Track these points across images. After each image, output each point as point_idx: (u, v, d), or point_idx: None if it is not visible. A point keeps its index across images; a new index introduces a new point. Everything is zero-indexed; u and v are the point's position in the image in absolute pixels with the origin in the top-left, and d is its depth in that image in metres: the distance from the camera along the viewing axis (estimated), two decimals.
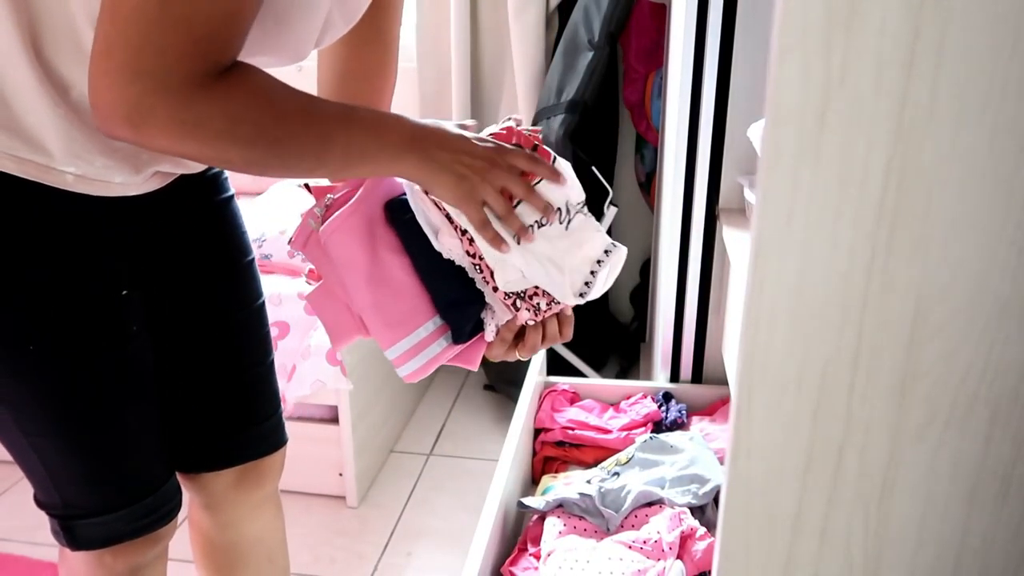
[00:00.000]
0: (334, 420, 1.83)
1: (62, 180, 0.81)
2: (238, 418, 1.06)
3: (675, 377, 1.68)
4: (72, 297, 0.84)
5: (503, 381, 2.22)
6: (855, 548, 0.63)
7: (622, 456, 1.34)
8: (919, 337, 0.56)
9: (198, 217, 0.98)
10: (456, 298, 0.90)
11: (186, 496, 1.07)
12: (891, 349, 0.57)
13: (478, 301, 0.90)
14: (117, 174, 0.84)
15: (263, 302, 1.07)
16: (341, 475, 1.88)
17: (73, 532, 0.91)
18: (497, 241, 0.82)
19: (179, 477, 1.05)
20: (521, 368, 2.06)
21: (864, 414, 0.59)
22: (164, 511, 0.96)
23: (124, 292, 0.89)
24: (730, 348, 1.45)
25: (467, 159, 0.79)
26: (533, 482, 1.46)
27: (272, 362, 1.09)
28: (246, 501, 1.10)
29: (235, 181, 1.06)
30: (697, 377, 1.67)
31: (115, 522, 0.92)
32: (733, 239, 1.36)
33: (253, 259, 1.06)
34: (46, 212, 0.81)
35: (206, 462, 1.06)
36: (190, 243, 0.98)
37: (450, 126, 0.81)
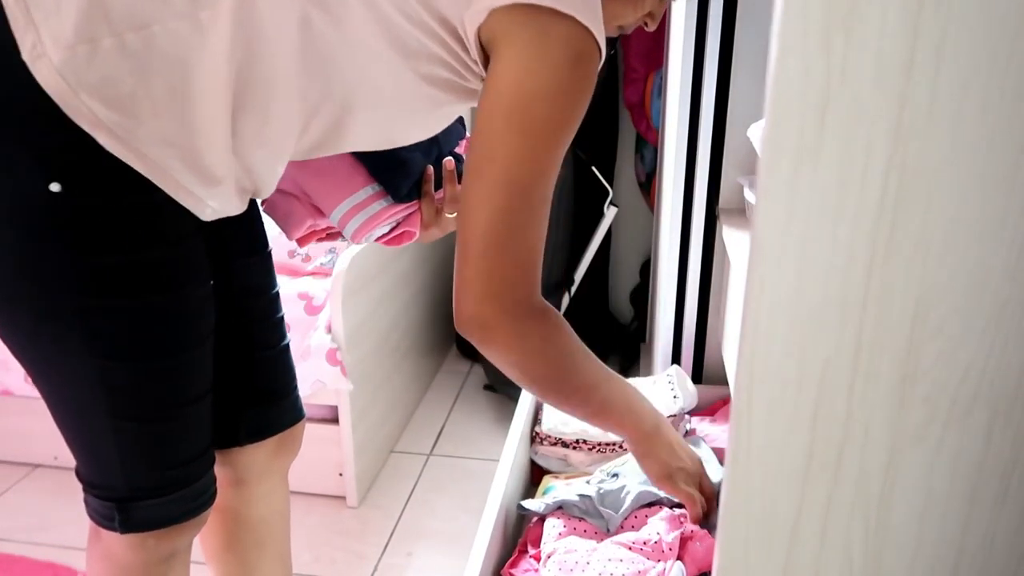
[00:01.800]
0: (334, 420, 1.83)
1: (202, 210, 0.87)
2: (273, 391, 1.14)
3: None
4: (192, 288, 0.91)
5: (503, 381, 2.22)
6: (855, 548, 0.63)
7: (619, 460, 1.34)
8: (919, 337, 0.56)
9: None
10: (389, 162, 1.03)
11: None
12: (891, 349, 0.57)
13: (411, 162, 1.04)
14: (235, 209, 0.92)
15: (278, 292, 1.16)
16: (341, 475, 1.88)
17: (129, 514, 0.93)
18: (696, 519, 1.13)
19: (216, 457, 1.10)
20: None
21: (864, 414, 0.59)
22: (210, 493, 1.00)
23: (211, 282, 0.95)
24: (730, 348, 1.45)
25: (680, 473, 1.08)
26: (534, 483, 1.46)
27: (288, 344, 1.17)
28: (279, 470, 1.18)
29: None
30: (697, 377, 1.67)
31: (170, 504, 0.95)
32: (733, 239, 1.36)
33: (270, 251, 1.14)
34: (165, 203, 0.85)
35: (250, 434, 1.12)
36: (233, 232, 1.04)
37: (679, 442, 1.08)
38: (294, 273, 1.87)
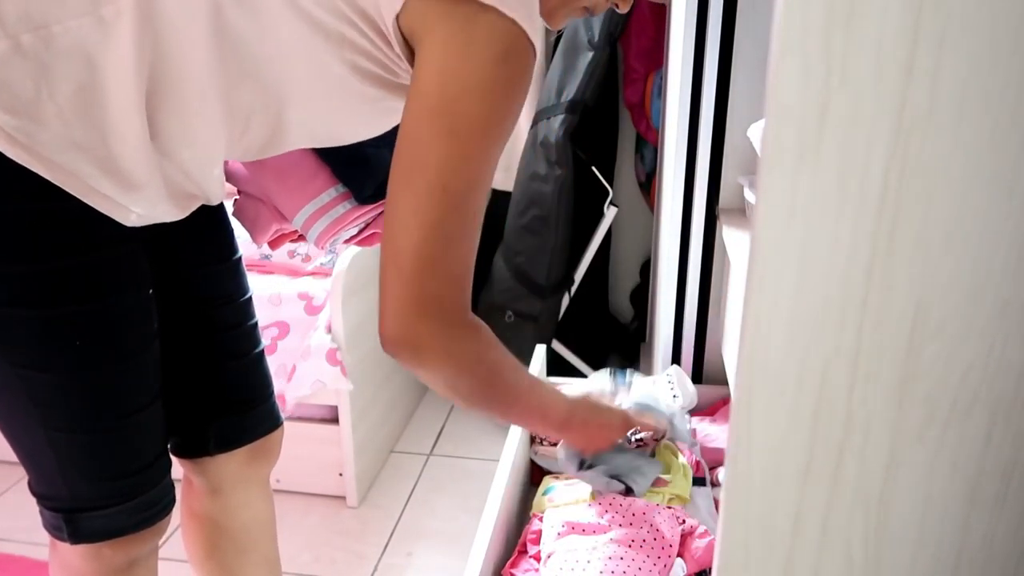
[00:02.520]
0: (334, 420, 1.83)
1: (125, 216, 0.84)
2: (244, 400, 1.11)
3: None
4: (117, 297, 0.87)
5: None
6: (855, 548, 0.63)
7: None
8: (919, 337, 0.56)
9: (191, 218, 1.00)
10: (353, 159, 1.01)
11: (180, 494, 1.10)
12: (891, 349, 0.57)
13: (375, 160, 1.02)
14: (168, 215, 0.88)
15: (249, 297, 1.13)
16: (341, 475, 1.88)
17: (76, 525, 0.92)
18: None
19: (186, 467, 1.10)
20: None
21: (864, 414, 0.59)
22: (164, 503, 0.98)
23: (151, 291, 0.92)
24: (730, 348, 1.45)
25: (602, 432, 1.15)
26: (533, 483, 1.46)
27: (263, 351, 1.15)
28: (255, 479, 1.15)
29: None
30: (697, 377, 1.67)
31: (119, 515, 0.93)
32: (733, 239, 1.36)
33: (239, 257, 1.11)
34: (89, 215, 0.83)
35: (220, 444, 1.10)
36: (184, 241, 1.02)
37: (595, 414, 1.14)
38: (294, 273, 1.87)
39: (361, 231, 1.10)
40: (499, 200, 2.46)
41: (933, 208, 0.53)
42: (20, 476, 1.89)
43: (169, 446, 1.07)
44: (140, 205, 0.84)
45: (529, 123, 2.30)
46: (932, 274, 0.55)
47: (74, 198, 0.80)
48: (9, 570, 1.65)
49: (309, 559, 1.71)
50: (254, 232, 1.10)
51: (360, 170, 1.03)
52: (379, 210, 1.07)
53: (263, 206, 1.07)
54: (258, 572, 1.21)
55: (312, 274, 1.88)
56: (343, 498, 1.90)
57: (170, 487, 0.99)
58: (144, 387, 0.93)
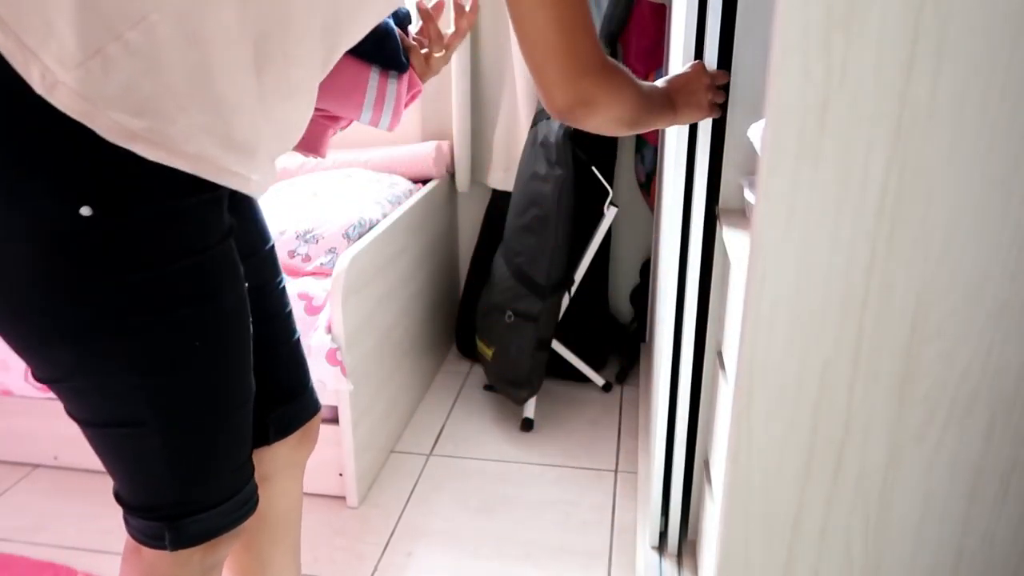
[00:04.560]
0: (334, 420, 1.83)
1: (246, 184, 0.85)
2: (295, 386, 1.15)
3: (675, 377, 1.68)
4: (228, 294, 0.88)
5: (503, 381, 2.22)
6: (855, 548, 0.63)
7: None
8: (919, 337, 0.56)
9: (238, 207, 1.04)
10: (375, 40, 1.07)
11: None
12: (891, 349, 0.57)
13: (390, 29, 1.10)
14: (270, 181, 0.91)
15: (284, 285, 1.17)
16: (341, 475, 1.88)
17: (179, 531, 0.90)
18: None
19: None
20: (521, 368, 2.06)
21: (864, 414, 0.59)
22: (254, 499, 0.98)
23: (247, 285, 0.93)
24: (730, 348, 1.45)
25: (694, 98, 1.23)
26: None
27: (299, 336, 1.18)
28: (299, 463, 1.19)
29: None
30: (697, 377, 1.67)
31: (218, 515, 0.93)
32: (733, 239, 1.35)
33: (273, 244, 1.15)
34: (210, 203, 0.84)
35: (278, 431, 1.13)
36: (237, 232, 1.00)
37: (680, 84, 1.22)
38: (294, 273, 1.87)
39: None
40: (499, 200, 2.46)
41: (933, 208, 0.53)
42: (20, 476, 1.89)
43: None
44: (258, 172, 0.86)
45: (529, 123, 2.30)
46: (932, 274, 0.55)
47: (191, 196, 0.80)
48: (9, 570, 1.65)
49: (309, 559, 1.71)
50: (317, 148, 1.16)
51: (388, 43, 1.11)
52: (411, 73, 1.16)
53: (315, 122, 1.11)
54: (286, 560, 1.22)
55: (312, 274, 1.88)
56: (343, 498, 1.90)
57: (255, 483, 0.99)
58: (249, 380, 0.94)
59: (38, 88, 0.72)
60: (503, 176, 2.44)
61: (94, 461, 1.86)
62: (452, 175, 2.51)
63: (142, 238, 0.79)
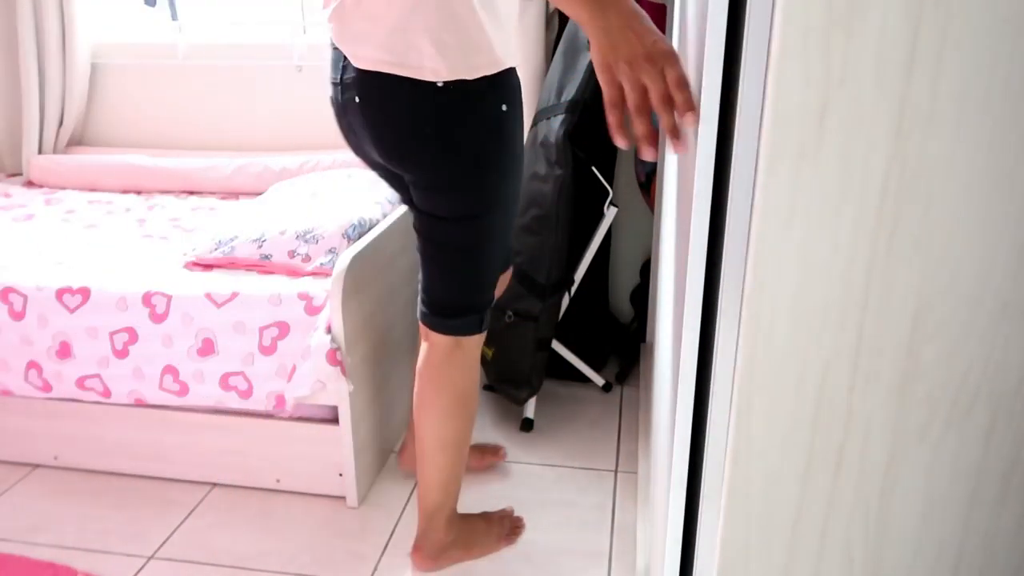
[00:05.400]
0: (334, 420, 1.83)
1: (513, 63, 1.29)
2: None
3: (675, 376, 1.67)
4: (521, 148, 1.34)
5: (503, 381, 2.22)
6: (855, 548, 0.63)
7: None
8: (919, 337, 0.56)
9: None
10: None
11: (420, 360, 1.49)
12: (891, 349, 0.57)
13: None
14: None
15: None
16: (341, 475, 1.88)
17: (484, 319, 1.40)
18: (615, 129, 0.79)
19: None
20: (521, 368, 2.06)
21: (864, 414, 0.59)
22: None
23: None
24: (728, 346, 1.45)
25: (633, 38, 0.77)
26: None
27: None
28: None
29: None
30: (697, 377, 1.67)
31: (488, 314, 1.42)
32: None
33: None
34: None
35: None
36: None
37: (643, 15, 0.82)
38: (294, 273, 1.87)
39: None
40: None
41: (933, 208, 0.53)
42: (20, 476, 1.89)
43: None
44: (510, 58, 1.28)
45: (529, 123, 2.30)
46: (932, 274, 0.55)
47: (518, 92, 1.30)
48: (9, 570, 1.65)
49: (309, 559, 1.71)
50: None
51: None
52: None
53: None
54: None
55: (312, 274, 1.88)
56: (343, 498, 1.90)
57: None
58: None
59: (485, 70, 1.23)
60: None
61: (94, 461, 1.86)
62: None
63: (518, 118, 1.30)
